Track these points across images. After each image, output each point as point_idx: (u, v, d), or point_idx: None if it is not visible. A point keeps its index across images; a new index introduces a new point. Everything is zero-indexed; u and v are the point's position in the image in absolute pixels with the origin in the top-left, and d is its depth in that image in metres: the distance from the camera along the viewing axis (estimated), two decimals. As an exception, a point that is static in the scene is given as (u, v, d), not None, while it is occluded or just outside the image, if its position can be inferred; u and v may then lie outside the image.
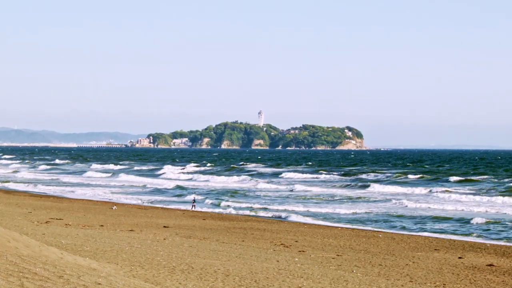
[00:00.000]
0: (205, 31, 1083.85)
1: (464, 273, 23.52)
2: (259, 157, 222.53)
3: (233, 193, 67.32)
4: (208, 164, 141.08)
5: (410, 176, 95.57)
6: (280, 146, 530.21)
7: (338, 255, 26.67)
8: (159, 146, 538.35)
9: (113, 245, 24.27)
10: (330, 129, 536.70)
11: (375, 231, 38.25)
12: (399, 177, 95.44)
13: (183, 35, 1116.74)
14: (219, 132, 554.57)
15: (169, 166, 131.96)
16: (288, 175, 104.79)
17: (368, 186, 78.43)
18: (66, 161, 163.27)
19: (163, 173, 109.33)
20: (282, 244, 29.84)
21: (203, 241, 29.15)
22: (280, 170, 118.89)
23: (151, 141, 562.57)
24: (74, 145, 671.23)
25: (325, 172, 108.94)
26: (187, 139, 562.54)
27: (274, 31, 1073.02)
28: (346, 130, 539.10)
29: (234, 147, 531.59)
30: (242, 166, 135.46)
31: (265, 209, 51.44)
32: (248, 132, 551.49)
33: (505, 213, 48.65)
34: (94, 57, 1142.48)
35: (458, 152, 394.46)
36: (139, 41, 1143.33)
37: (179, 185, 79.28)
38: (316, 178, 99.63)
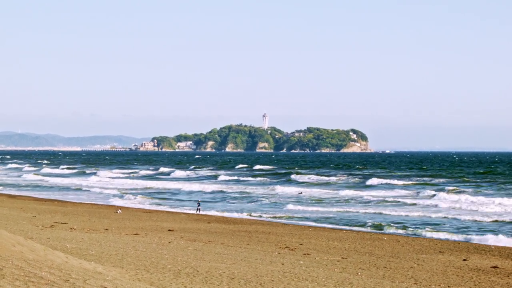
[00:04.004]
0: (208, 34, 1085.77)
1: (469, 275, 23.54)
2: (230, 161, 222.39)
3: (138, 190, 75.21)
4: (160, 169, 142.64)
5: (341, 178, 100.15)
6: (285, 149, 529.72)
7: (343, 258, 26.69)
8: (163, 150, 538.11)
9: (118, 249, 24.32)
10: (334, 131, 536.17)
11: (380, 233, 38.26)
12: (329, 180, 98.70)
13: (186, 38, 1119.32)
14: (224, 135, 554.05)
15: (117, 169, 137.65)
16: (223, 178, 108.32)
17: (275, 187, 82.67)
18: (24, 165, 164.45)
19: (94, 175, 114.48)
20: (287, 247, 29.86)
21: (208, 245, 29.19)
22: (219, 173, 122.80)
23: (155, 144, 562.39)
24: (78, 148, 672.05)
25: (259, 175, 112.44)
26: (191, 142, 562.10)
27: (277, 33, 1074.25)
28: (350, 133, 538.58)
29: (239, 150, 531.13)
30: (193, 169, 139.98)
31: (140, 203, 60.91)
32: (253, 135, 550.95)
33: (381, 213, 50.43)
34: (97, 60, 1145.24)
35: (445, 154, 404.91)
36: (142, 44, 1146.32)
37: (92, 185, 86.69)
38: (242, 179, 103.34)
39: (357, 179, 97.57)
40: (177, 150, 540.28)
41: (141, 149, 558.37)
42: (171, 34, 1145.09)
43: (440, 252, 30.06)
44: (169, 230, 35.69)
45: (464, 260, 27.54)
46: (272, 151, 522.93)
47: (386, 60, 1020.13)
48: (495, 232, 38.34)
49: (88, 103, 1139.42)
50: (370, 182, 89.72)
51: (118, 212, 47.52)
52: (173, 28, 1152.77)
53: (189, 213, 50.14)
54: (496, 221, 45.07)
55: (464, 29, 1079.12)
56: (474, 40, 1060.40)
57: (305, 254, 27.48)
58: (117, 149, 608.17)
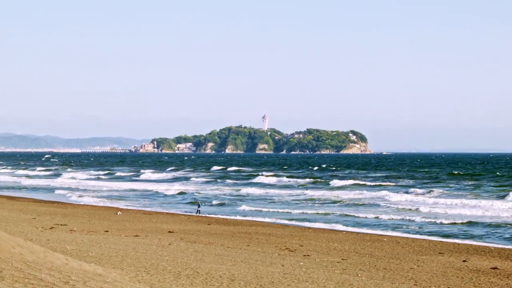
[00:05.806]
0: (208, 34, 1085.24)
1: (468, 276, 23.56)
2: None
3: (99, 193, 78.93)
4: (139, 170, 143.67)
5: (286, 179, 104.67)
6: (284, 151, 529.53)
7: (343, 259, 26.71)
8: (163, 151, 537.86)
9: (118, 251, 24.33)
10: (334, 133, 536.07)
11: (380, 234, 38.28)
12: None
13: (186, 38, 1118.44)
14: (223, 136, 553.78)
15: (93, 171, 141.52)
16: (194, 179, 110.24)
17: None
18: (3, 167, 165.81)
19: (64, 177, 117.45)
20: (287, 248, 29.88)
21: (208, 246, 29.20)
22: (192, 174, 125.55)
23: (155, 146, 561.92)
24: (78, 150, 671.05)
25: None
26: (191, 144, 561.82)
27: (277, 33, 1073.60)
28: (350, 134, 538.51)
29: (239, 151, 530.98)
30: (170, 171, 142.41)
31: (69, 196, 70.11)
32: (252, 137, 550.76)
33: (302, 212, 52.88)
34: (97, 60, 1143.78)
35: (434, 155, 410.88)
36: (142, 44, 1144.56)
37: (51, 184, 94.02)
38: (211, 181, 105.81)
39: (322, 180, 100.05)
40: (177, 151, 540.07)
41: (141, 150, 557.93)
42: (171, 34, 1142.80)
43: (440, 253, 30.09)
44: (169, 231, 35.71)
45: (464, 261, 27.56)
46: (272, 152, 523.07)
47: (386, 60, 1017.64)
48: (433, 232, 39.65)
49: (88, 104, 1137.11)
50: (332, 183, 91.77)
51: (118, 213, 47.56)
52: (173, 28, 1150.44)
53: (189, 215, 50.23)
54: (441, 223, 44.89)
55: (464, 29, 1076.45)
56: (474, 40, 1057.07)
57: (305, 255, 27.50)
58: (117, 151, 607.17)
